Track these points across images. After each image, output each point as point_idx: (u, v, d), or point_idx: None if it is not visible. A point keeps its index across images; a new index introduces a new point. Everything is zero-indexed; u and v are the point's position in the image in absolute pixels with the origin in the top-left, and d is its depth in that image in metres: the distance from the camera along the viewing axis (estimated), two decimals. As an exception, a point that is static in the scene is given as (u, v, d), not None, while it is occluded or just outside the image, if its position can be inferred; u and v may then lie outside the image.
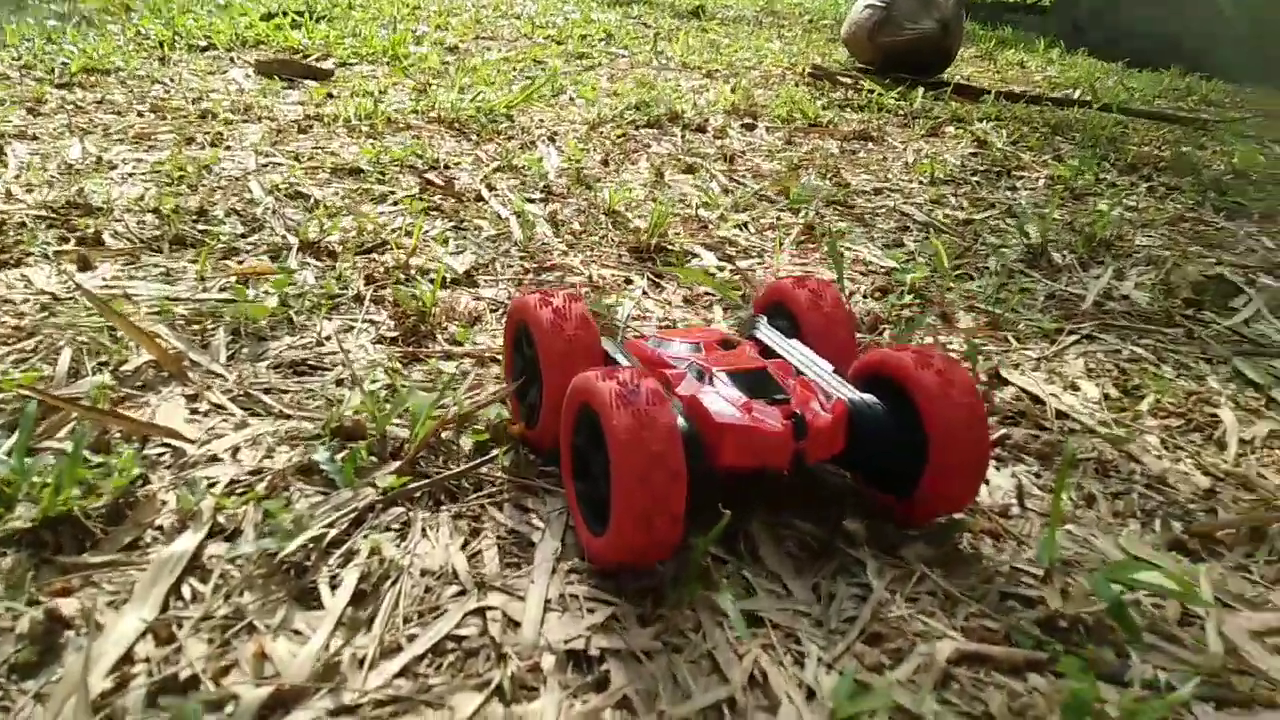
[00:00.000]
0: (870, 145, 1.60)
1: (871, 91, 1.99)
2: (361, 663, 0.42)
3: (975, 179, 1.42)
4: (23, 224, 0.93)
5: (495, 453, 0.58)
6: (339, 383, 0.68)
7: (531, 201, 1.16)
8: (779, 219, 1.15)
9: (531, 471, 0.57)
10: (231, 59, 1.89)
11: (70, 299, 0.77)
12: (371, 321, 0.78)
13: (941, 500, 0.53)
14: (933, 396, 0.51)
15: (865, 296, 0.93)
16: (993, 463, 0.64)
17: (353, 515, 0.51)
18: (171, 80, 1.65)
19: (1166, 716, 0.42)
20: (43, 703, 0.38)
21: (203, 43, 2.03)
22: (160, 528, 0.50)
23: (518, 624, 0.44)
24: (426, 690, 0.40)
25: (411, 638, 0.43)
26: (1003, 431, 0.68)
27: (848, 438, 0.52)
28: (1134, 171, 1.54)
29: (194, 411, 0.61)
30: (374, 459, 0.57)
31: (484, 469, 0.57)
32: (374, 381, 0.68)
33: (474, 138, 1.44)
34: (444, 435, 0.59)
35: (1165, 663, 0.46)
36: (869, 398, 0.54)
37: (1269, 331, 0.91)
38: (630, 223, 1.10)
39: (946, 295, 0.93)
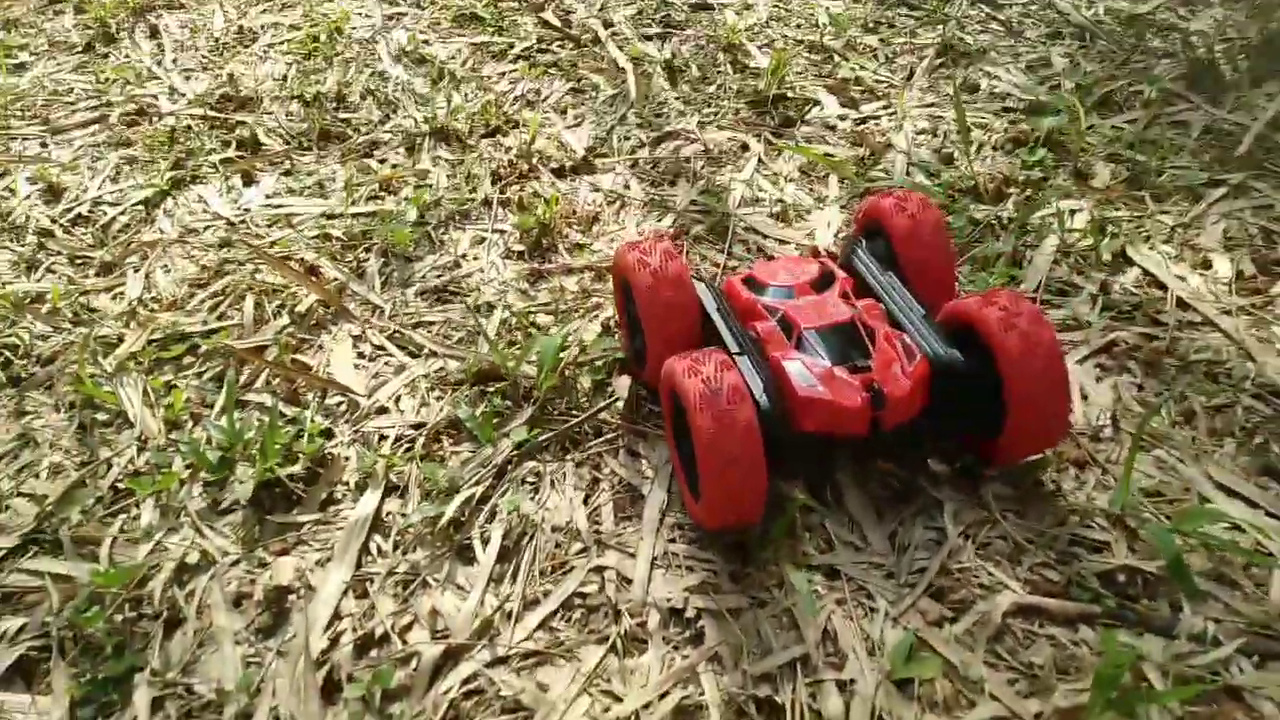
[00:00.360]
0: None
1: None
2: (510, 616, 0.53)
3: (1156, -59, 1.23)
4: (189, 127, 1.02)
5: (612, 397, 0.65)
6: (477, 308, 0.76)
7: (649, 39, 1.13)
8: (912, 37, 1.08)
9: (642, 415, 0.64)
10: None
11: (243, 223, 0.87)
12: (500, 231, 0.84)
13: (1022, 451, 0.56)
14: (1014, 360, 0.53)
15: (995, 149, 0.89)
16: (1096, 370, 0.66)
17: (495, 471, 0.61)
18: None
19: (1207, 673, 0.47)
20: (284, 658, 0.52)
21: None
22: (347, 484, 0.61)
23: (630, 581, 0.54)
24: (559, 644, 0.51)
25: (546, 593, 0.54)
26: (1112, 336, 0.68)
27: (928, 398, 0.56)
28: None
29: (360, 355, 0.72)
30: (508, 404, 0.66)
31: (603, 414, 0.65)
32: (506, 308, 0.75)
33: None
34: (566, 374, 0.67)
35: (1219, 614, 0.51)
36: (952, 355, 0.56)
37: None
38: (751, 60, 1.06)
39: (1085, 142, 0.87)
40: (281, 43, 1.19)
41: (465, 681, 0.50)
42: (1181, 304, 0.70)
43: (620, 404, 0.64)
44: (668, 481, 0.60)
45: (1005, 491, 0.58)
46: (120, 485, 0.63)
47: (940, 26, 1.09)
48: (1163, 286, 0.72)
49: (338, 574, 0.56)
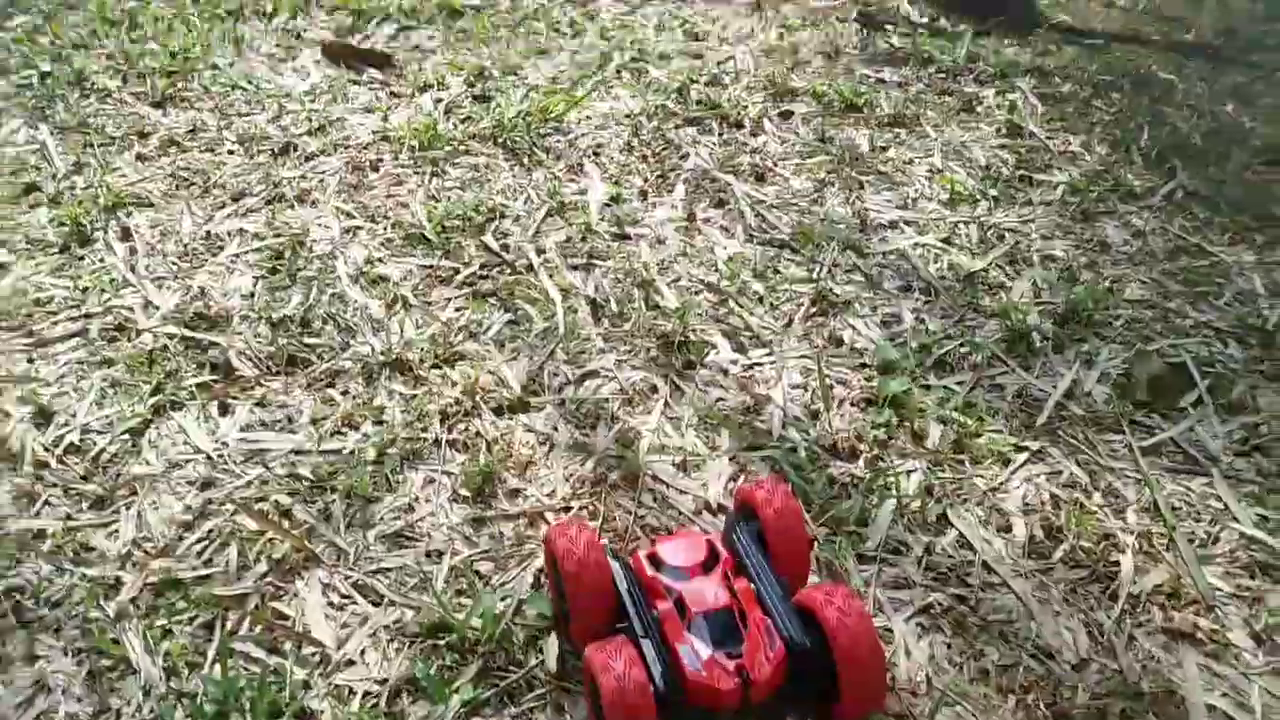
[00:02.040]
0: (902, 135, 1.67)
1: (917, 30, 1.99)
2: None
3: (994, 193, 1.50)
4: (165, 347, 1.16)
5: (543, 657, 0.81)
6: (428, 554, 0.91)
7: (575, 268, 1.32)
8: (792, 287, 1.29)
9: (567, 670, 0.81)
10: (298, 35, 1.99)
11: (221, 457, 1.01)
12: (448, 473, 1.00)
13: (855, 716, 0.75)
14: (845, 651, 0.72)
15: (853, 405, 1.10)
16: (917, 629, 0.85)
17: (447, 724, 0.76)
18: (249, 83, 1.79)
19: None
20: None
21: (268, 6, 2.12)
22: (324, 735, 0.76)
23: (555, 828, 0.70)
24: None
25: (489, 839, 0.69)
26: (931, 599, 0.88)
27: (786, 675, 0.74)
28: (1160, 165, 1.58)
29: (330, 604, 0.86)
30: (456, 656, 0.81)
31: (536, 669, 0.81)
32: (454, 554, 0.91)
33: (525, 160, 1.57)
34: (505, 629, 0.83)
35: None
36: (802, 643, 0.74)
37: (1207, 439, 1.06)
38: (661, 299, 1.26)
39: (922, 404, 1.09)
40: (247, 252, 1.34)
41: None
42: (986, 566, 0.91)
43: (550, 663, 0.81)
44: (585, 734, 0.76)
45: (842, 742, 0.76)
46: (129, 733, 0.76)
47: (813, 274, 1.31)
48: (973, 548, 0.93)
49: (321, 823, 0.70)
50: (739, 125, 1.69)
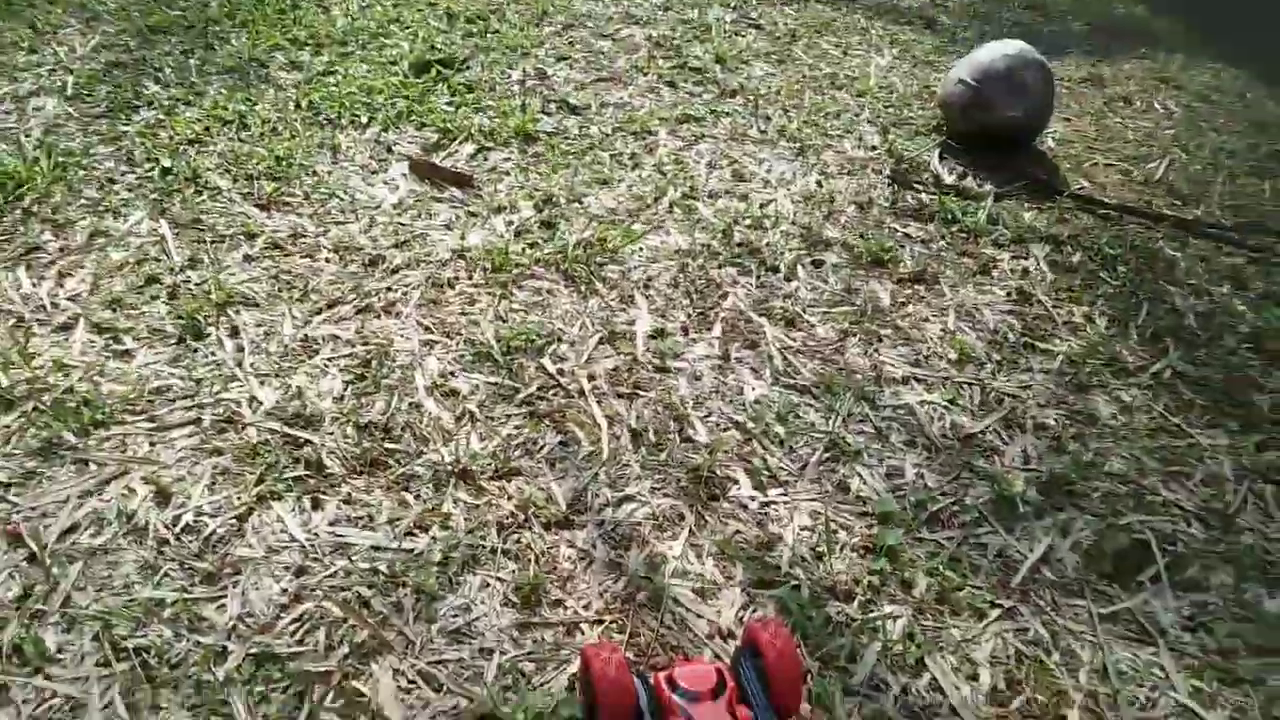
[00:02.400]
0: (922, 292, 1.86)
1: (945, 191, 2.19)
2: None
3: (998, 358, 1.68)
4: (266, 441, 1.35)
5: (572, 751, 0.98)
6: (481, 650, 1.09)
7: (620, 396, 1.51)
8: (810, 432, 1.47)
9: (592, 766, 0.97)
10: (389, 149, 2.24)
11: (313, 546, 1.20)
12: (500, 579, 1.18)
13: None
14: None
15: (853, 551, 1.27)
16: (888, 759, 1.01)
17: (490, 804, 0.93)
18: (344, 193, 2.02)
19: None
20: None
21: (364, 118, 2.37)
22: (390, 802, 0.92)
23: None
24: None
25: None
26: (902, 733, 1.03)
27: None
28: (1155, 343, 1.76)
29: (400, 688, 1.04)
30: (502, 745, 0.98)
31: (564, 762, 0.97)
32: (503, 653, 1.08)
33: (582, 288, 1.77)
34: (543, 725, 1.00)
35: None
36: None
37: (1159, 611, 1.21)
38: (695, 433, 1.45)
39: (913, 556, 1.25)
40: (339, 357, 1.54)
41: None
42: (952, 709, 1.07)
43: (578, 759, 0.97)
44: (603, 824, 0.92)
45: None
46: (232, 784, 0.93)
47: (829, 422, 1.49)
48: (943, 692, 1.08)
49: None
50: (774, 270, 1.89)
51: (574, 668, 1.07)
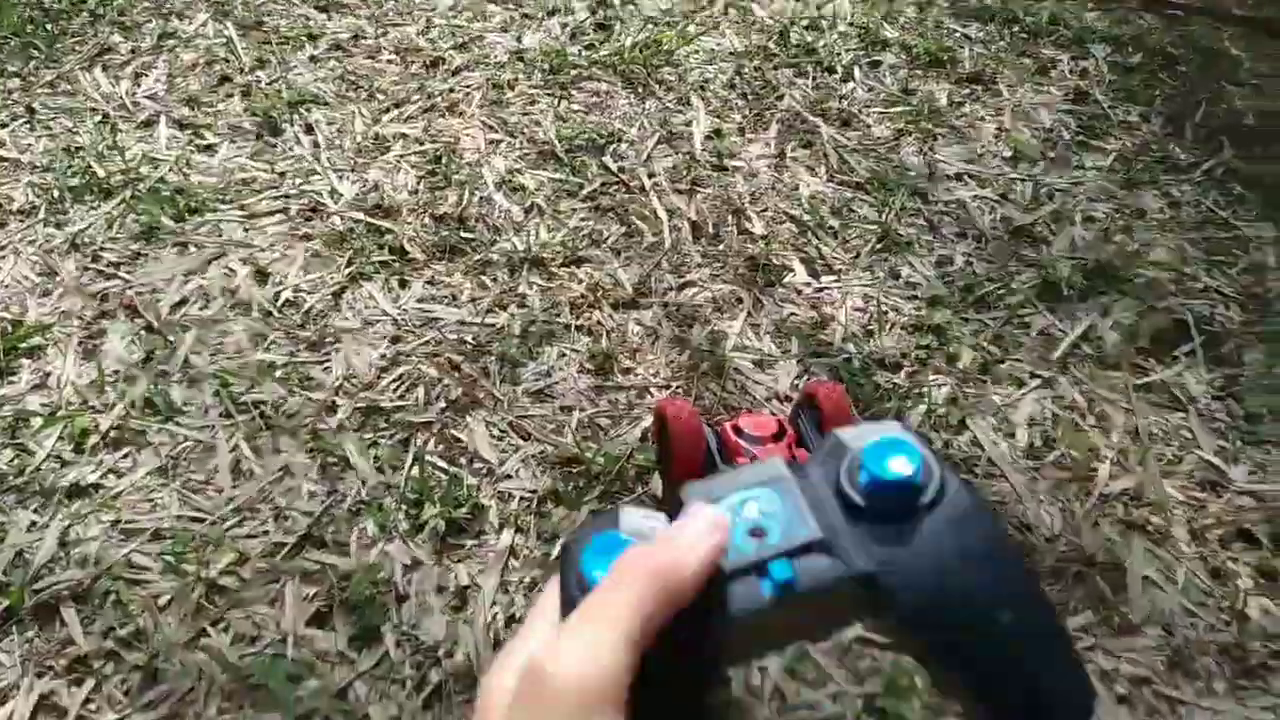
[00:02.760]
0: (979, 93, 1.85)
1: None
2: (588, 612, 0.98)
3: (1052, 155, 1.70)
4: (352, 229, 1.44)
5: (647, 489, 1.10)
6: (562, 408, 1.20)
7: (680, 192, 1.57)
8: (863, 225, 1.52)
9: (666, 502, 1.10)
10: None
11: (404, 319, 1.30)
12: (575, 350, 1.28)
13: None
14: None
15: (901, 329, 1.35)
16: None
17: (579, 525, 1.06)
18: (397, -4, 2.02)
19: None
20: (469, 625, 0.97)
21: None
22: (492, 524, 1.06)
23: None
24: (616, 631, 0.97)
25: (609, 602, 0.99)
26: (943, 479, 1.14)
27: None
28: (1209, 142, 1.75)
29: (492, 436, 1.16)
30: (584, 481, 1.11)
31: (642, 496, 1.10)
32: (581, 410, 1.20)
33: (640, 89, 1.79)
34: (622, 469, 1.12)
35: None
36: None
37: (1191, 383, 1.29)
38: (751, 225, 1.51)
39: (958, 334, 1.33)
40: (409, 154, 1.60)
41: (567, 646, 0.95)
42: (990, 461, 1.17)
43: (655, 492, 1.10)
44: (678, 543, 1.05)
45: (863, 570, 1.04)
46: (354, 509, 1.07)
47: (882, 216, 1.54)
48: (982, 447, 1.19)
49: (492, 579, 1.00)
50: (831, 70, 1.88)
51: (646, 423, 1.18)
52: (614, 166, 1.61)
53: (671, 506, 0.31)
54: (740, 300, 1.38)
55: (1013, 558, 0.28)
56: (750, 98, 1.80)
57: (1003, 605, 0.27)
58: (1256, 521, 1.11)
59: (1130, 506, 1.13)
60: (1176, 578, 1.06)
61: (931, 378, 1.27)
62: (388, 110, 1.70)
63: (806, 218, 1.53)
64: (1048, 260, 1.45)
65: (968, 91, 1.85)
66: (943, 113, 1.79)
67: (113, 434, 1.14)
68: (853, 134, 1.73)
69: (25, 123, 1.62)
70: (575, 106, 1.74)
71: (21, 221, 1.43)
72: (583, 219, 1.50)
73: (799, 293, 1.40)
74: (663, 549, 0.28)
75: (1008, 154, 1.69)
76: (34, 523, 1.05)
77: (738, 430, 1.09)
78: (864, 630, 0.98)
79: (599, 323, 1.33)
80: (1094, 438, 1.21)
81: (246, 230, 1.43)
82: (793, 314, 1.37)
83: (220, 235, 1.42)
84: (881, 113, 1.78)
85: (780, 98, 1.80)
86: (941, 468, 0.29)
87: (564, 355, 1.28)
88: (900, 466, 0.28)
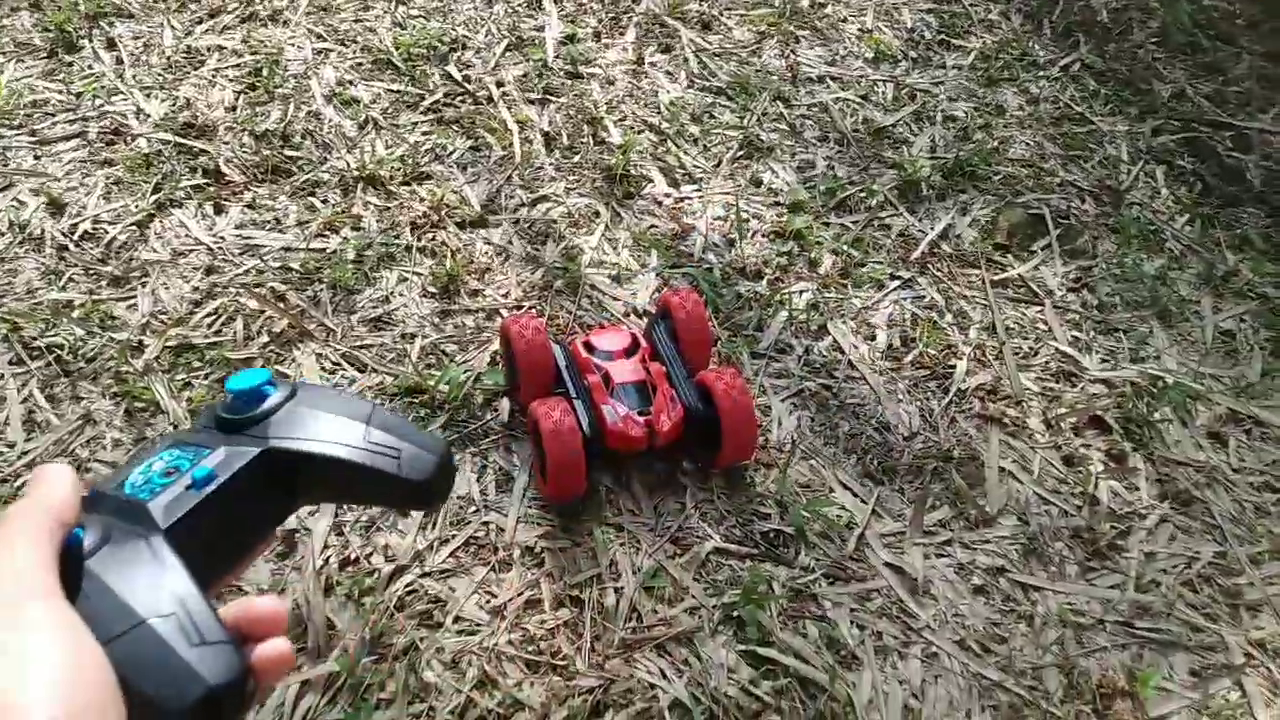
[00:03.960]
0: (841, -8, 1.79)
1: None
2: (431, 548, 0.91)
3: (914, 55, 1.66)
4: (159, 152, 1.30)
5: (496, 413, 1.03)
6: (404, 335, 1.11)
7: (531, 103, 1.47)
8: (725, 132, 1.46)
9: (515, 425, 1.03)
10: None
11: (220, 249, 1.18)
12: (417, 273, 1.19)
13: (730, 462, 0.99)
14: (728, 414, 0.95)
15: (763, 237, 1.30)
16: (790, 406, 1.09)
17: (420, 458, 0.98)
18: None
19: (803, 587, 0.92)
20: (299, 571, 0.88)
21: None
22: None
23: (502, 530, 0.93)
24: (461, 566, 0.90)
25: (453, 536, 0.93)
26: (803, 385, 1.11)
27: (684, 431, 0.97)
28: (1066, 38, 1.75)
29: (323, 369, 1.06)
30: (427, 410, 1.03)
31: (491, 422, 1.03)
32: (424, 337, 1.11)
33: (486, -6, 1.67)
34: (467, 394, 1.04)
35: (818, 557, 0.95)
36: (697, 408, 0.97)
37: (1048, 276, 1.29)
38: (608, 136, 1.42)
39: (819, 239, 1.29)
40: (227, 68, 1.45)
41: (407, 587, 0.88)
42: (850, 364, 1.14)
43: (503, 418, 1.03)
44: (528, 470, 0.99)
45: (722, 482, 1.00)
46: (167, 455, 0.96)
47: (744, 121, 1.48)
48: (842, 351, 1.16)
49: (324, 521, 0.92)
50: (690, -28, 1.79)
51: (495, 347, 1.10)
52: (458, 75, 1.49)
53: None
54: (597, 214, 1.31)
55: (353, 401, 0.39)
56: (606, 1, 1.69)
57: (357, 421, 0.38)
58: (1108, 408, 1.12)
59: (987, 400, 1.12)
60: (1031, 467, 1.06)
61: (794, 285, 1.23)
62: (201, 21, 1.53)
63: (666, 126, 1.46)
64: (908, 161, 1.42)
65: (830, -9, 1.79)
66: (805, 14, 1.73)
67: (-123, 391, 1.00)
68: (713, 37, 1.65)
69: None
70: (414, 11, 1.61)
71: None
72: (425, 133, 1.39)
73: (659, 204, 1.34)
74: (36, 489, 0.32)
75: (870, 55, 1.65)
76: None
77: (589, 346, 1.03)
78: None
79: (443, 243, 1.23)
80: (952, 335, 1.19)
81: (38, 158, 1.27)
82: (652, 226, 1.30)
83: (7, 164, 1.25)
84: (743, 15, 1.71)
85: (638, 0, 1.70)
86: (294, 380, 0.42)
87: (405, 280, 1.18)
88: (249, 380, 0.38)
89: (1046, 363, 1.18)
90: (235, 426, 0.37)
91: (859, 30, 1.71)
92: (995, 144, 1.48)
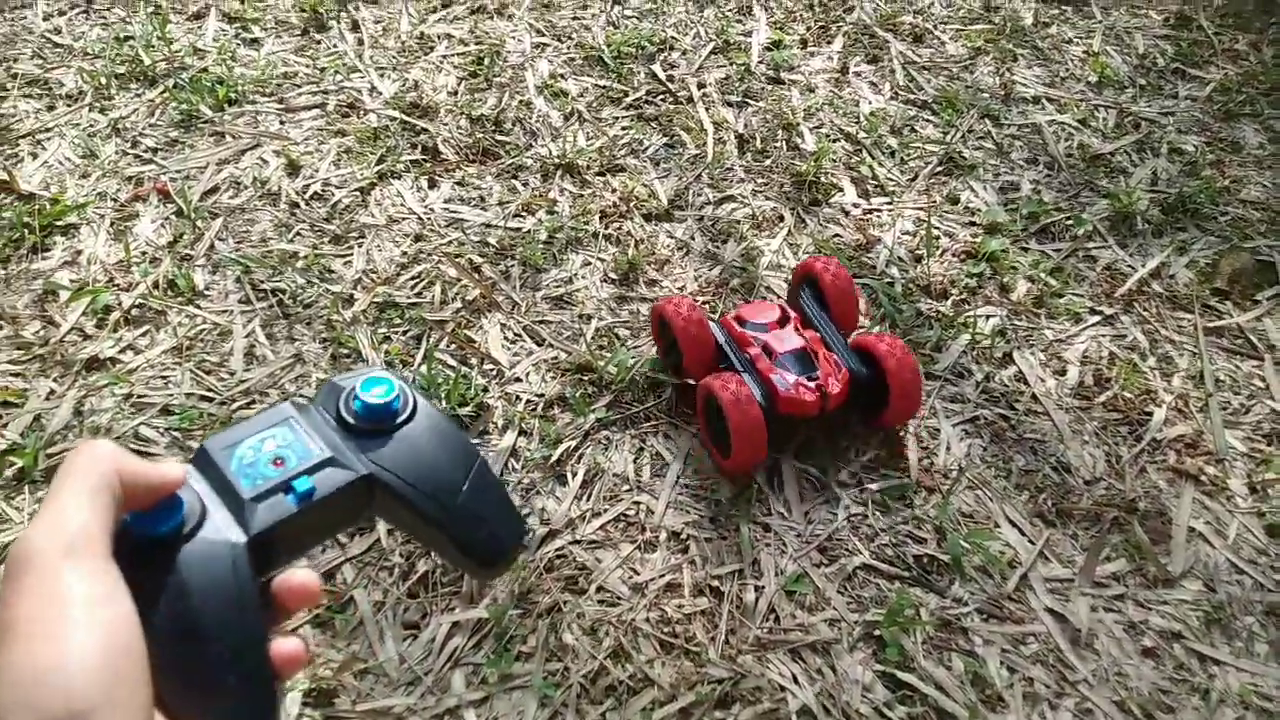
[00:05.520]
0: (1068, 13, 1.70)
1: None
2: (583, 518, 0.95)
3: (1143, 82, 1.55)
4: (387, 126, 1.41)
5: (661, 396, 1.05)
6: (581, 316, 1.16)
7: (729, 104, 1.49)
8: (925, 146, 1.42)
9: (678, 412, 1.05)
10: None
11: (429, 219, 1.27)
12: (600, 259, 1.23)
13: (896, 422, 0.99)
14: (894, 373, 0.94)
15: (954, 256, 1.25)
16: (961, 433, 1.05)
17: (583, 433, 1.02)
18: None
19: (954, 619, 0.88)
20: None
21: None
22: (495, 424, 1.03)
23: (652, 512, 0.95)
24: (609, 539, 0.93)
25: (605, 510, 0.96)
26: (980, 412, 1.06)
27: (850, 394, 0.96)
28: (1325, 74, 1.58)
29: (505, 339, 1.12)
30: (594, 389, 1.06)
31: (654, 407, 1.05)
32: (600, 320, 1.15)
33: (700, -2, 1.70)
34: (634, 378, 1.07)
35: (973, 591, 0.91)
36: (861, 370, 0.97)
37: (1271, 330, 1.17)
38: (802, 142, 1.42)
39: (1015, 264, 1.23)
40: (453, 55, 1.56)
41: (557, 550, 0.92)
42: (1034, 397, 1.09)
43: (666, 404, 1.05)
44: (684, 457, 1.00)
45: (879, 498, 0.98)
46: (359, 400, 1.05)
47: (947, 137, 1.43)
48: (1027, 383, 1.10)
49: (490, 478, 0.97)
50: (907, -15, 1.76)
51: (666, 335, 1.13)
52: (662, 75, 1.53)
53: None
54: (782, 219, 1.31)
55: (463, 449, 0.39)
56: (817, 8, 1.69)
57: (458, 475, 0.38)
58: (1328, 480, 1.01)
59: (1184, 454, 1.03)
60: (1227, 532, 0.97)
61: (981, 308, 1.18)
62: (435, 10, 1.65)
63: (863, 136, 1.43)
64: (1124, 192, 1.33)
65: (1056, 11, 1.71)
66: (1026, 32, 1.65)
67: (134, 312, 1.14)
68: (924, 50, 1.61)
69: (82, 11, 1.63)
70: (628, 12, 1.66)
71: (69, 105, 1.44)
72: (624, 127, 1.44)
73: (846, 213, 1.32)
74: (126, 453, 0.32)
75: (1093, 79, 1.55)
76: (52, 391, 1.06)
77: (740, 320, 1.04)
78: (865, 560, 0.93)
79: (628, 233, 1.27)
80: (1152, 380, 1.11)
81: (283, 124, 1.42)
82: (836, 235, 1.29)
83: (257, 127, 1.40)
84: (959, 29, 1.66)
85: (850, 10, 1.69)
86: (414, 395, 0.39)
87: (588, 264, 1.23)
88: (379, 395, 0.38)
89: (1259, 422, 1.07)
90: (352, 431, 0.37)
91: (1084, 53, 1.61)
92: (1226, 182, 1.36)
